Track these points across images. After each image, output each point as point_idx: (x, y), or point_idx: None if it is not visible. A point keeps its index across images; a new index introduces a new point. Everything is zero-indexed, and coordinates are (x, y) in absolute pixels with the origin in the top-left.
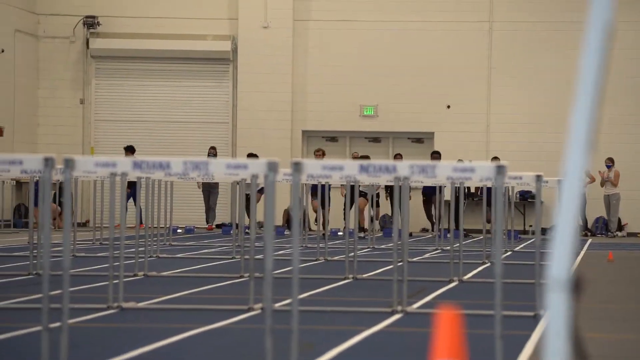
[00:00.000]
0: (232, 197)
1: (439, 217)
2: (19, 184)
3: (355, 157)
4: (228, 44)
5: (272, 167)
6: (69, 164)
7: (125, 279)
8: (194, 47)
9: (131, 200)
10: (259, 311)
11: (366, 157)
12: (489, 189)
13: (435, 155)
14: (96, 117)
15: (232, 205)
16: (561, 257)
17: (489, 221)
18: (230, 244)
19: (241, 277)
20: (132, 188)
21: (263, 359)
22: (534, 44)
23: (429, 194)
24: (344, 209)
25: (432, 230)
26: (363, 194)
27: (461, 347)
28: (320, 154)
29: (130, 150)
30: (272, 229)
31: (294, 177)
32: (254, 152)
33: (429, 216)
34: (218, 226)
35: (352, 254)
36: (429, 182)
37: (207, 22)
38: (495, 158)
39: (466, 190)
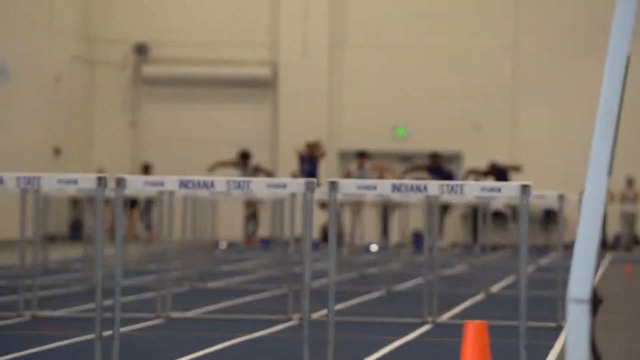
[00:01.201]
0: (273, 214)
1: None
2: (75, 201)
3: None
4: (269, 69)
5: (310, 187)
6: (120, 182)
7: (172, 291)
8: (238, 72)
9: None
10: (297, 321)
11: (363, 154)
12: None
13: (435, 159)
14: (146, 138)
15: (273, 222)
16: (582, 276)
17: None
18: (271, 258)
19: (281, 288)
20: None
21: None
22: (557, 66)
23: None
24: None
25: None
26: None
27: (487, 357)
28: (314, 145)
29: (145, 169)
30: (310, 244)
31: (330, 196)
32: (247, 151)
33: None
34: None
35: (386, 267)
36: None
37: (250, 49)
38: (493, 164)
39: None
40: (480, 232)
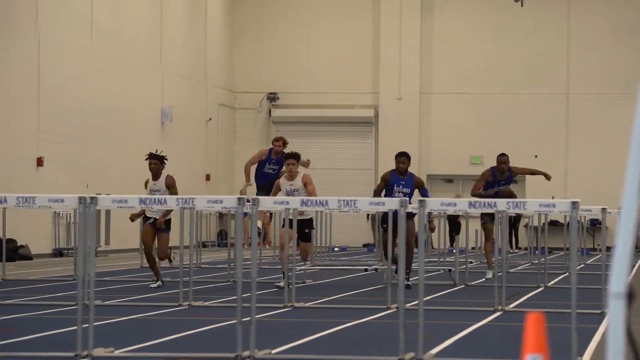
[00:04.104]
0: (373, 224)
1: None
2: (221, 215)
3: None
4: (372, 111)
5: (403, 204)
6: (255, 202)
7: (296, 285)
8: (347, 114)
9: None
10: (394, 309)
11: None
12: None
13: (402, 159)
14: None
15: (373, 230)
16: (619, 273)
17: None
18: (373, 259)
19: (382, 284)
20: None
21: (397, 345)
22: (600, 109)
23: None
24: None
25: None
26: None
27: (545, 342)
28: (280, 144)
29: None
30: (404, 248)
31: (419, 211)
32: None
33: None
34: (364, 245)
35: (464, 266)
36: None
37: (356, 96)
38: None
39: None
40: (540, 237)
